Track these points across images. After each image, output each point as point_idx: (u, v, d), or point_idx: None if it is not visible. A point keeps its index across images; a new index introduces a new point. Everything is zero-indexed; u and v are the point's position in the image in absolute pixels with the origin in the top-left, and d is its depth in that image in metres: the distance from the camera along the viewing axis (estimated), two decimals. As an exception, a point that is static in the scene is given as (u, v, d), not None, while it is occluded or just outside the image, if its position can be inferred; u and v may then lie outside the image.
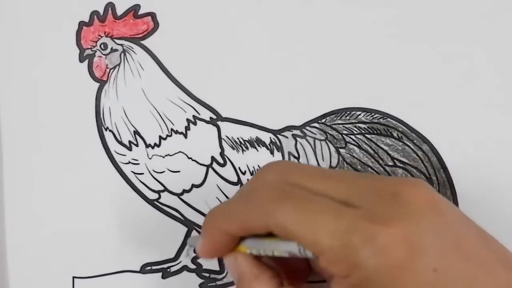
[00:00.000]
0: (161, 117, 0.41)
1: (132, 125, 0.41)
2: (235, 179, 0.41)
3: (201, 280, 0.41)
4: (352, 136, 0.41)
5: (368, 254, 0.27)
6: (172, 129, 0.41)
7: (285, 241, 0.30)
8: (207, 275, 0.41)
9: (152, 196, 0.41)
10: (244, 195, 0.32)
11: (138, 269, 0.41)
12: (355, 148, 0.41)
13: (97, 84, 0.42)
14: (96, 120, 0.41)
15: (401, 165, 0.41)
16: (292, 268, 0.35)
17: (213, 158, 0.41)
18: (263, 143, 0.41)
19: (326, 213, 0.28)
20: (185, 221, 0.41)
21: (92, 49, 0.41)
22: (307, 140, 0.41)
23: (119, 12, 0.41)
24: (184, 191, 0.41)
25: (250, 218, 0.31)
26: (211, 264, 0.41)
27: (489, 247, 0.29)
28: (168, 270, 0.41)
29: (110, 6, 0.41)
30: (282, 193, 0.30)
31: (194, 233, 0.41)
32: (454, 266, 0.27)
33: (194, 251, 0.41)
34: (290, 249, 0.30)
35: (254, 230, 0.31)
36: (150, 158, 0.41)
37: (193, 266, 0.41)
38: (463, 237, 0.28)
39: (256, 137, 0.41)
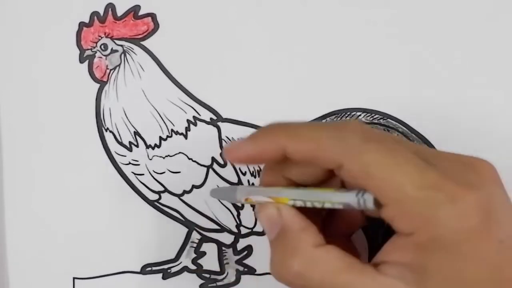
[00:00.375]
0: (162, 118, 0.41)
1: (132, 125, 0.41)
2: (235, 180, 0.41)
3: (202, 281, 0.41)
4: (353, 137, 0.41)
5: (449, 213, 0.27)
6: (172, 130, 0.41)
7: (341, 191, 0.29)
8: (207, 275, 0.41)
9: (153, 196, 0.41)
10: (325, 124, 0.31)
11: (138, 269, 0.41)
12: (356, 149, 0.41)
13: (97, 85, 0.42)
14: (96, 121, 0.41)
15: (402, 166, 0.41)
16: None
17: (213, 159, 0.41)
18: (263, 144, 0.41)
19: (413, 164, 0.28)
20: (186, 222, 0.41)
21: (92, 50, 0.41)
22: (307, 141, 0.41)
23: (119, 12, 0.41)
24: (185, 192, 0.41)
25: (326, 146, 0.29)
26: (211, 265, 0.41)
27: None
28: (169, 270, 0.41)
29: (110, 7, 0.41)
30: (372, 135, 0.29)
31: (195, 234, 0.41)
32: None
33: (195, 252, 0.41)
34: (348, 200, 0.28)
35: (321, 160, 0.29)
36: (150, 159, 0.41)
37: (193, 267, 0.41)
38: None
39: (257, 137, 0.41)
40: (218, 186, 0.41)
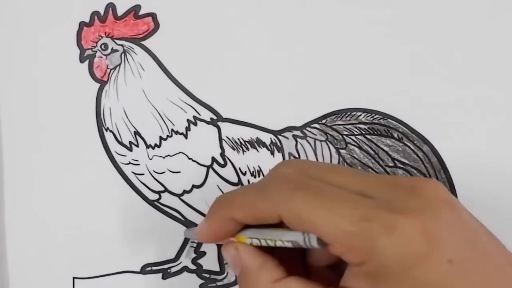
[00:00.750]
0: (162, 118, 0.41)
1: (133, 125, 0.41)
2: (235, 180, 0.41)
3: (201, 281, 0.41)
4: (353, 137, 0.41)
5: (387, 242, 0.27)
6: (172, 130, 0.41)
7: (290, 231, 0.30)
8: (207, 275, 0.41)
9: (153, 196, 0.41)
10: (257, 185, 0.32)
11: (138, 269, 0.41)
12: (356, 148, 0.41)
13: (98, 85, 0.42)
14: (97, 121, 0.41)
15: (402, 166, 0.41)
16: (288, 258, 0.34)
17: (213, 159, 0.41)
18: (263, 144, 0.41)
19: (344, 202, 0.29)
20: (186, 222, 0.41)
21: (93, 50, 0.41)
22: (307, 141, 0.41)
23: (120, 12, 0.41)
24: (185, 191, 0.41)
25: (262, 207, 0.30)
26: (211, 265, 0.41)
27: (497, 246, 0.30)
28: (169, 270, 0.41)
29: (111, 7, 0.41)
30: (298, 183, 0.30)
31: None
32: (469, 260, 0.28)
33: (194, 252, 0.41)
34: (296, 239, 0.30)
35: (263, 219, 0.31)
36: (150, 159, 0.41)
37: (193, 267, 0.41)
38: (477, 234, 0.29)
39: (257, 137, 0.41)
40: (218, 187, 0.41)
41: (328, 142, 0.41)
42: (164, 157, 0.41)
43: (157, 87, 0.41)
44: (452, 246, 0.28)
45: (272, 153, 0.41)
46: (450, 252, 0.28)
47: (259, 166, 0.41)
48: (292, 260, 0.34)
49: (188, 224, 0.41)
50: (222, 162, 0.41)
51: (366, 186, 0.30)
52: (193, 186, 0.41)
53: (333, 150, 0.41)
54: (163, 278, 0.41)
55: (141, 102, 0.41)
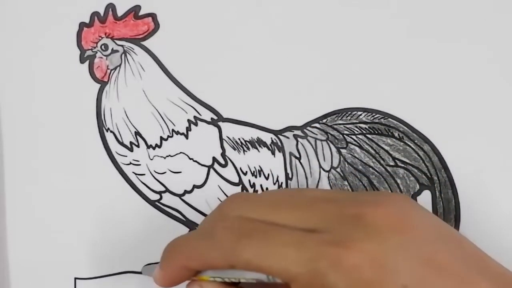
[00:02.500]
0: (162, 118, 0.41)
1: (133, 126, 0.41)
2: (236, 180, 0.41)
3: (203, 281, 0.41)
4: (353, 136, 0.41)
5: (336, 277, 0.28)
6: (173, 130, 0.41)
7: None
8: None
9: (154, 197, 0.41)
10: (204, 233, 0.32)
11: (139, 270, 0.41)
12: (356, 148, 0.41)
13: (98, 85, 0.42)
14: (97, 121, 0.41)
15: (403, 165, 0.41)
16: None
17: (214, 159, 0.41)
18: (264, 144, 0.41)
19: (289, 243, 0.29)
20: (187, 222, 0.41)
21: (93, 50, 0.41)
22: (308, 141, 0.41)
23: (120, 13, 0.41)
24: (186, 191, 0.41)
25: (211, 257, 0.31)
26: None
27: (468, 258, 0.29)
28: (170, 270, 0.41)
29: (111, 7, 0.41)
30: (243, 231, 0.30)
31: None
32: (425, 281, 0.28)
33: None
34: (257, 276, 0.30)
35: (218, 267, 0.31)
36: (151, 159, 0.41)
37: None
38: (435, 251, 0.29)
39: (257, 137, 0.41)
40: (219, 187, 0.41)
41: (328, 142, 0.41)
42: (165, 157, 0.41)
43: (157, 88, 0.41)
44: (405, 270, 0.28)
45: (273, 153, 0.41)
46: (403, 276, 0.27)
47: (260, 166, 0.41)
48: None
49: (188, 224, 0.41)
50: (223, 162, 0.41)
51: (310, 220, 0.30)
52: (194, 186, 0.41)
53: (333, 149, 0.41)
54: (165, 278, 0.41)
55: (142, 102, 0.41)
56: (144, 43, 0.41)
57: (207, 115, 0.41)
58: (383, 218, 0.29)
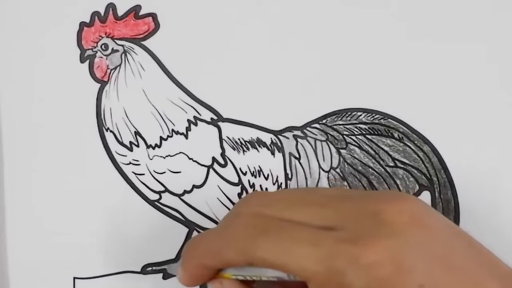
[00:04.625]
0: (162, 118, 0.41)
1: (133, 125, 0.41)
2: (236, 180, 0.41)
3: (202, 281, 0.41)
4: (353, 137, 0.41)
5: (354, 275, 0.27)
6: (173, 130, 0.41)
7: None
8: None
9: (153, 196, 0.41)
10: (222, 230, 0.32)
11: (138, 269, 0.41)
12: (356, 148, 0.41)
13: (98, 85, 0.42)
14: (97, 121, 0.41)
15: (402, 165, 0.41)
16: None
17: (214, 159, 0.41)
18: (264, 144, 0.41)
19: (305, 241, 0.29)
20: (186, 222, 0.41)
21: (93, 50, 0.41)
22: (308, 141, 0.41)
23: (120, 12, 0.41)
24: (185, 191, 0.41)
25: (230, 255, 0.31)
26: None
27: (478, 258, 0.29)
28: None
29: (111, 7, 0.41)
30: (259, 228, 0.30)
31: (195, 234, 0.41)
32: (441, 281, 0.27)
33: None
34: (278, 275, 0.30)
35: (236, 265, 0.31)
36: (151, 159, 0.41)
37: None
38: (450, 250, 0.29)
39: (257, 137, 0.41)
40: (218, 187, 0.41)
41: (328, 142, 0.41)
42: (164, 157, 0.41)
43: (157, 87, 0.41)
44: (422, 270, 0.27)
45: (273, 153, 0.41)
46: (421, 276, 0.27)
47: (259, 166, 0.41)
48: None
49: (188, 224, 0.41)
50: (222, 162, 0.41)
51: (328, 217, 0.30)
52: (194, 186, 0.41)
53: (333, 150, 0.41)
54: (164, 278, 0.41)
55: (142, 102, 0.41)
56: (144, 43, 0.41)
57: (207, 115, 0.41)
58: (401, 215, 0.29)
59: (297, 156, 0.41)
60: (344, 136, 0.41)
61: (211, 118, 0.41)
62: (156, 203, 0.41)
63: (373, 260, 0.27)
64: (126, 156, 0.41)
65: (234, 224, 0.32)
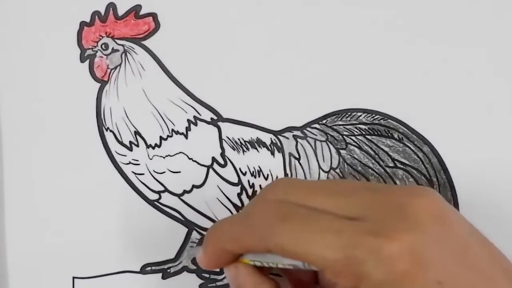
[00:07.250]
0: (162, 118, 0.41)
1: (133, 125, 0.41)
2: (235, 180, 0.41)
3: (201, 281, 0.41)
4: (353, 137, 0.41)
5: (373, 266, 0.27)
6: (172, 130, 0.41)
7: None
8: (207, 275, 0.41)
9: (153, 196, 0.41)
10: (244, 216, 0.33)
11: (138, 269, 0.41)
12: (356, 149, 0.41)
13: (98, 84, 0.42)
14: (97, 120, 0.41)
15: (402, 166, 0.41)
16: (299, 279, 0.35)
17: (213, 159, 0.41)
18: (263, 144, 0.41)
19: (326, 229, 0.29)
20: (186, 222, 0.41)
21: (93, 49, 0.41)
22: (307, 141, 0.41)
23: (120, 12, 0.41)
24: (185, 191, 0.41)
25: (250, 241, 0.31)
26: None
27: (491, 256, 0.29)
28: (168, 270, 0.41)
29: (111, 6, 0.41)
30: (279, 214, 0.30)
31: (195, 234, 0.41)
32: (458, 277, 0.28)
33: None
34: (294, 263, 0.30)
35: (255, 251, 0.31)
36: (150, 159, 0.41)
37: (193, 267, 0.41)
38: (467, 247, 0.29)
39: (257, 137, 0.41)
40: (218, 187, 0.41)
41: (328, 143, 0.41)
42: (164, 157, 0.41)
43: (157, 87, 0.41)
44: (440, 266, 0.28)
45: (273, 153, 0.41)
46: (439, 272, 0.27)
47: (259, 166, 0.41)
48: (309, 275, 0.35)
49: (187, 224, 0.41)
50: (222, 162, 0.41)
51: (352, 207, 0.30)
52: (193, 186, 0.41)
53: (333, 150, 0.41)
54: (163, 278, 0.41)
55: (142, 102, 0.41)
56: (145, 42, 0.41)
57: (207, 115, 0.41)
58: (425, 209, 0.29)
59: (297, 156, 0.41)
60: (344, 136, 0.41)
61: (211, 118, 0.41)
62: (155, 203, 0.41)
63: (394, 252, 0.27)
64: (126, 155, 0.41)
65: (256, 210, 0.32)
